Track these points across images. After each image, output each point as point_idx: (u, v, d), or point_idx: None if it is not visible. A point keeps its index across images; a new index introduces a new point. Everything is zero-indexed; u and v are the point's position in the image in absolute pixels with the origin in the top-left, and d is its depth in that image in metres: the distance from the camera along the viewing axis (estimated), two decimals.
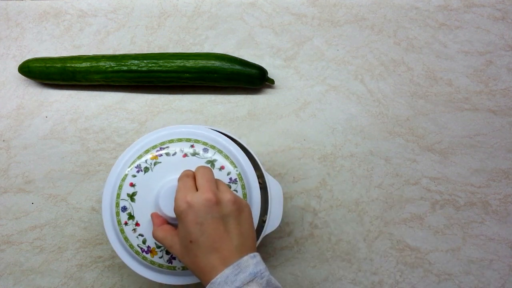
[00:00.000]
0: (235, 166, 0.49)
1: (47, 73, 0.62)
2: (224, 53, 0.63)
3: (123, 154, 0.49)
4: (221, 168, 0.48)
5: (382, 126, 0.63)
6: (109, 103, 0.64)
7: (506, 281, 0.57)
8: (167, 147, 0.49)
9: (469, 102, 0.63)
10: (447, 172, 0.61)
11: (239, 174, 0.48)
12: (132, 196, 0.48)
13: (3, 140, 0.63)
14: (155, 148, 0.49)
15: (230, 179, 0.48)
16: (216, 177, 0.45)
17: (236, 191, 0.48)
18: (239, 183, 0.48)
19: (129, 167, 0.48)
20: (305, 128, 0.62)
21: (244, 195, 0.48)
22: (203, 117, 0.63)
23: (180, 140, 0.49)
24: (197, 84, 0.62)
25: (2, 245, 0.59)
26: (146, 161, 0.48)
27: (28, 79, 0.64)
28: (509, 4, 0.67)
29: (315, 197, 0.60)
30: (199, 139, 0.50)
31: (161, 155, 0.49)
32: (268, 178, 0.50)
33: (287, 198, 0.60)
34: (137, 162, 0.49)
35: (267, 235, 0.50)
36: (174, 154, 0.49)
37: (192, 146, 0.49)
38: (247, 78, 0.61)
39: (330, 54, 0.65)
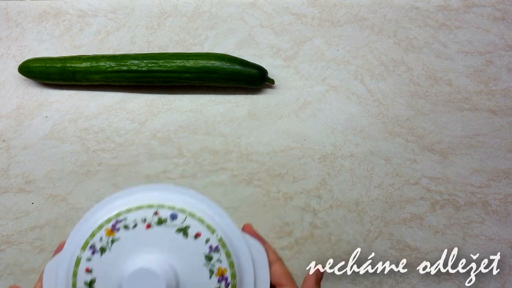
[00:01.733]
0: (214, 231, 0.39)
1: (47, 73, 0.62)
2: (224, 53, 0.63)
3: (72, 234, 0.40)
4: (197, 236, 0.39)
5: (382, 126, 0.63)
6: (109, 103, 0.64)
7: (506, 281, 0.57)
8: (125, 218, 0.39)
9: (469, 102, 0.63)
10: (447, 172, 0.61)
11: (221, 239, 0.39)
12: (90, 285, 0.38)
13: (3, 140, 0.63)
14: (110, 221, 0.39)
15: (210, 247, 0.38)
16: (191, 248, 0.39)
17: (220, 260, 0.39)
18: (221, 251, 0.38)
19: (82, 248, 0.39)
20: (305, 128, 0.62)
21: (231, 264, 0.39)
22: (203, 117, 0.63)
23: (139, 207, 0.40)
24: (197, 84, 0.62)
25: (2, 245, 0.59)
26: (101, 239, 0.39)
27: (28, 79, 0.64)
28: (509, 4, 0.67)
29: (315, 197, 0.60)
30: (163, 203, 0.40)
31: (118, 229, 0.39)
32: (249, 241, 0.41)
33: (287, 198, 0.60)
34: (91, 242, 0.39)
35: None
36: (135, 226, 0.39)
37: (156, 213, 0.39)
38: (247, 78, 0.61)
39: (330, 54, 0.65)
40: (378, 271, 0.58)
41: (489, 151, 0.62)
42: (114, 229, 0.39)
